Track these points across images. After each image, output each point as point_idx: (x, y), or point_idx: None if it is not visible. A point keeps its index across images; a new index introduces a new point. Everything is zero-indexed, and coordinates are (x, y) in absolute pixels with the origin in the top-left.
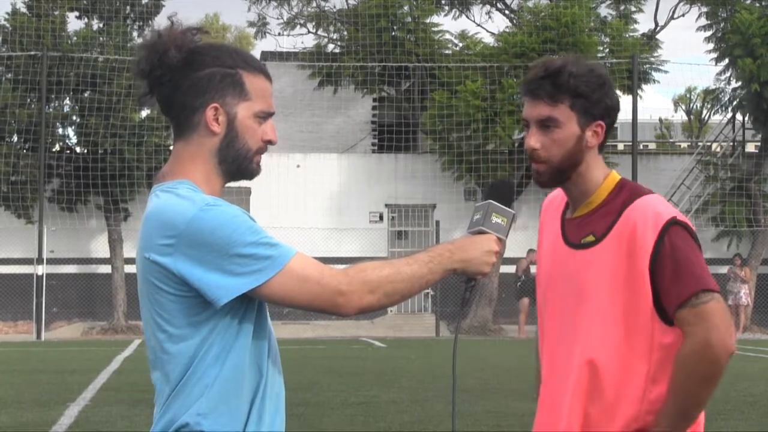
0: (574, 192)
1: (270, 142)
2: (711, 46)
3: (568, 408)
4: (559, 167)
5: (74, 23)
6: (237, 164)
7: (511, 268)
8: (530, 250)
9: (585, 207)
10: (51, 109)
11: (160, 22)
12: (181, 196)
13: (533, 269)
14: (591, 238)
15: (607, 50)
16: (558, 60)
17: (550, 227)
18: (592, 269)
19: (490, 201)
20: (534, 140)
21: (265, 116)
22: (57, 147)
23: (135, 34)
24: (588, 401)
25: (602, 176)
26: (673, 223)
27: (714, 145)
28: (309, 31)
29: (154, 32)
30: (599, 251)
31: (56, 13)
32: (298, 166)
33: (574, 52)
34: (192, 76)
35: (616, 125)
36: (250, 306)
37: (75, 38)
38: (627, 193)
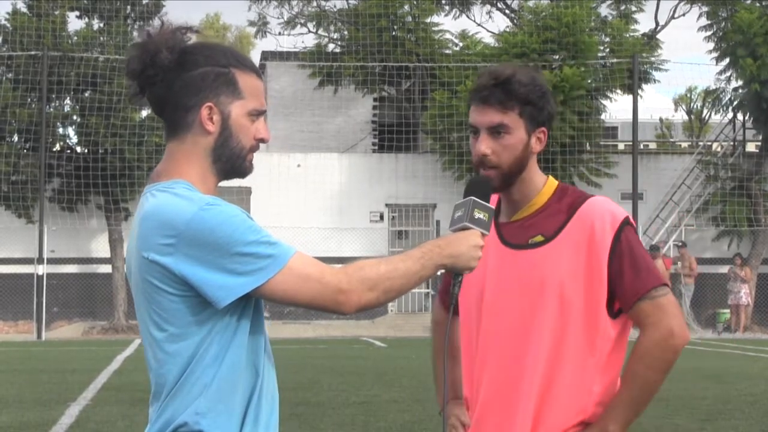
0: (516, 196)
1: (262, 141)
2: (711, 45)
3: (524, 409)
4: (508, 172)
5: (75, 23)
6: (231, 163)
7: None
8: None
9: (526, 210)
10: (51, 109)
11: (152, 22)
12: (180, 195)
13: None
14: (540, 238)
15: (608, 50)
16: (507, 69)
17: None
18: (544, 267)
19: (472, 197)
20: (485, 146)
21: (257, 114)
22: (57, 147)
23: (135, 33)
24: (543, 400)
25: (542, 181)
26: (627, 223)
27: (714, 145)
28: (309, 31)
29: (145, 32)
30: (551, 250)
31: (57, 12)
32: (298, 165)
33: (575, 52)
34: (185, 76)
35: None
36: (248, 304)
37: (75, 38)
38: (572, 195)
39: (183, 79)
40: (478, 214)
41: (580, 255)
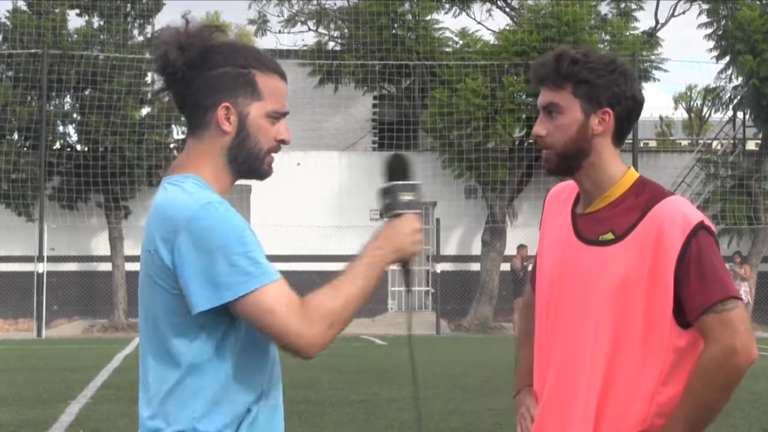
0: (587, 184)
1: (283, 142)
2: (711, 44)
3: (582, 411)
4: (564, 154)
5: (75, 21)
6: (248, 164)
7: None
8: (521, 246)
9: (601, 202)
10: (51, 107)
11: (176, 18)
12: (186, 191)
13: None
14: (610, 235)
15: (608, 48)
16: (565, 46)
17: (557, 221)
18: (610, 267)
19: (393, 182)
20: (540, 127)
21: (278, 116)
22: (57, 145)
23: (135, 32)
24: (601, 403)
25: (620, 171)
26: (700, 227)
27: (714, 143)
28: (309, 29)
29: (171, 29)
30: (619, 250)
31: (57, 10)
32: (298, 164)
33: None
34: (205, 75)
35: None
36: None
37: (75, 36)
38: (650, 192)
39: (203, 78)
40: (405, 197)
41: (645, 258)
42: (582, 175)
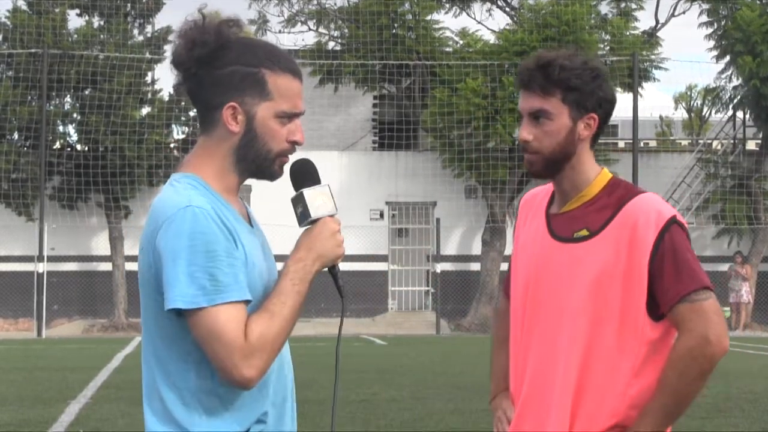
0: (566, 185)
1: (296, 143)
2: (712, 43)
3: (557, 408)
4: (551, 158)
5: (75, 21)
6: (256, 165)
7: None
8: None
9: (576, 201)
10: (51, 107)
11: (193, 12)
12: (177, 191)
13: None
14: (585, 232)
15: (608, 48)
16: (550, 52)
17: (532, 222)
18: (586, 263)
19: (302, 190)
20: (526, 132)
21: (289, 117)
22: (58, 145)
23: (135, 31)
24: (577, 399)
25: (594, 172)
26: (673, 222)
27: (715, 143)
28: (309, 29)
29: (188, 23)
30: (594, 245)
31: (57, 10)
32: None
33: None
34: (214, 74)
35: (616, 122)
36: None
37: (75, 36)
38: (623, 190)
39: (212, 77)
40: (317, 201)
41: (620, 253)
42: (562, 177)
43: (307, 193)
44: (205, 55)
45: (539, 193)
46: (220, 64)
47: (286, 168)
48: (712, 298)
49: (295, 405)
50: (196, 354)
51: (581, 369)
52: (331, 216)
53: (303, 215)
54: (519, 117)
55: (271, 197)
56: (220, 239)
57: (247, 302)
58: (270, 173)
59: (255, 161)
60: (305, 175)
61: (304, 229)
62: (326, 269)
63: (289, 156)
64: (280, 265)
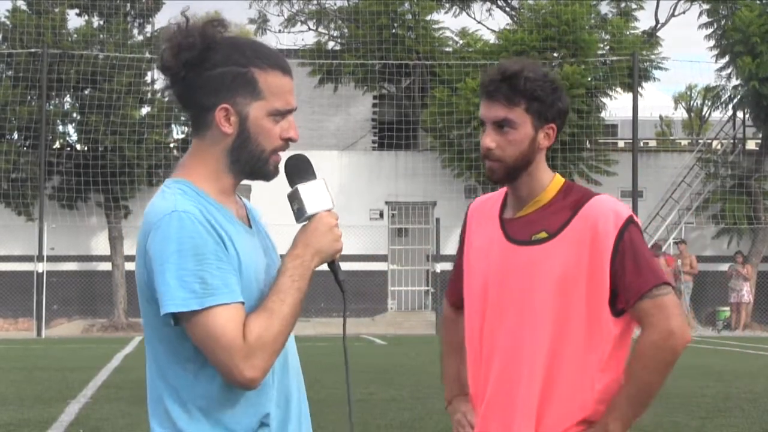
0: (522, 191)
1: (290, 140)
2: (712, 43)
3: (523, 409)
4: (512, 166)
5: (74, 20)
6: (251, 165)
7: None
8: None
9: (531, 206)
10: (51, 107)
11: (177, 15)
12: (165, 197)
13: None
14: (543, 234)
15: (608, 48)
16: (515, 64)
17: (483, 229)
18: (546, 264)
19: (297, 186)
20: (489, 140)
21: (282, 114)
22: (57, 144)
23: (135, 31)
24: (544, 399)
25: (548, 178)
26: (630, 221)
27: (714, 143)
28: (309, 29)
29: (172, 27)
30: (553, 247)
31: (56, 10)
32: None
33: (575, 50)
34: (204, 75)
35: (616, 122)
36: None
37: (75, 35)
38: (578, 193)
39: (202, 79)
40: (312, 196)
41: (582, 253)
42: (519, 183)
43: (302, 188)
44: (192, 59)
45: (489, 199)
46: (209, 65)
47: (281, 168)
48: (671, 293)
49: (307, 406)
50: (197, 359)
51: (547, 368)
52: (328, 210)
53: (299, 211)
54: (481, 124)
55: (270, 198)
56: (209, 242)
57: (241, 303)
58: (265, 173)
59: (249, 162)
60: (300, 171)
61: (301, 225)
62: (326, 264)
63: (281, 154)
64: None
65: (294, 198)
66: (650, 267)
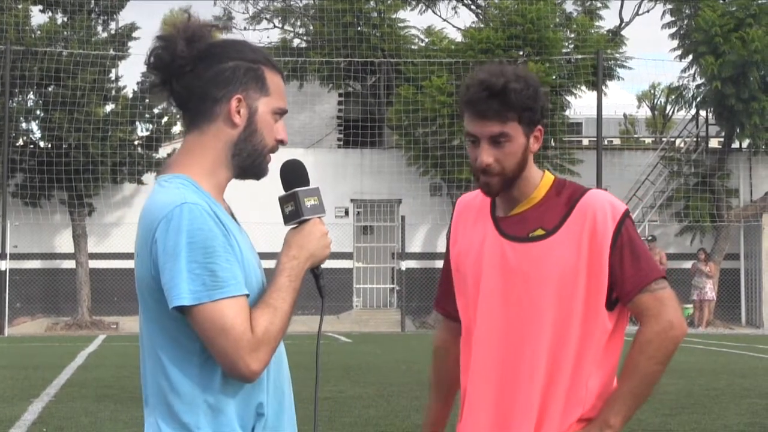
0: (515, 193)
1: (281, 142)
2: (675, 43)
3: (527, 402)
4: (511, 177)
5: (38, 17)
6: (252, 159)
7: None
8: None
9: (524, 204)
10: (14, 104)
11: (169, 13)
12: (168, 191)
13: None
14: (540, 231)
15: (572, 46)
16: (497, 77)
17: (475, 227)
18: (545, 260)
19: (295, 189)
20: (487, 155)
21: (281, 113)
22: (21, 141)
23: (99, 28)
24: (545, 393)
25: (539, 176)
26: (627, 215)
27: (678, 141)
28: (275, 26)
29: (171, 24)
30: (552, 243)
31: (20, 6)
32: None
33: (540, 48)
34: (216, 67)
35: (580, 120)
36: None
37: (39, 32)
38: (570, 189)
39: (214, 70)
40: (308, 202)
41: (581, 248)
42: (512, 188)
43: (301, 192)
44: (202, 51)
45: (477, 196)
46: (222, 58)
47: (272, 167)
48: (668, 286)
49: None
50: (200, 354)
51: (548, 366)
52: (320, 217)
53: (293, 213)
54: (471, 141)
55: (235, 195)
56: (218, 235)
57: (246, 296)
58: (260, 170)
59: (250, 156)
60: (298, 176)
61: (290, 227)
62: (310, 271)
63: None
64: (265, 263)
65: (289, 200)
66: (648, 261)
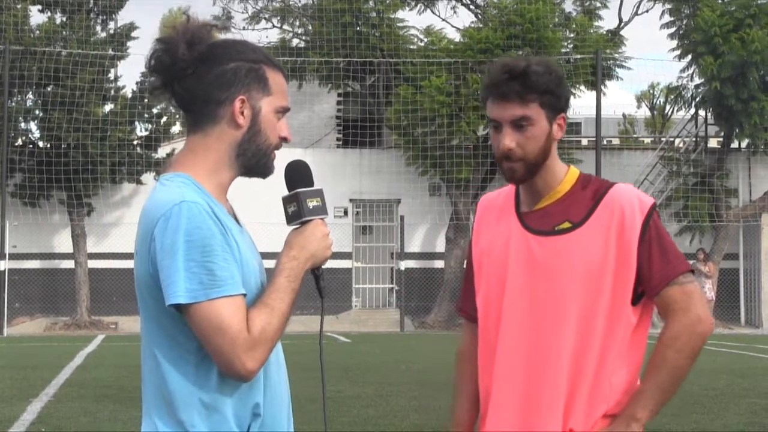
0: (539, 185)
1: (285, 140)
2: (674, 43)
3: (553, 398)
4: (534, 163)
5: (37, 17)
6: (256, 159)
7: None
8: None
9: (549, 198)
10: (13, 104)
11: (166, 14)
12: (169, 189)
13: None
14: (567, 224)
15: (572, 46)
16: (519, 60)
17: (499, 224)
18: (572, 253)
19: (298, 190)
20: (509, 140)
21: (284, 111)
22: (20, 141)
23: (98, 28)
24: (571, 388)
25: (563, 169)
26: (654, 208)
27: (677, 141)
28: (274, 26)
29: (170, 26)
30: (579, 236)
31: (18, 6)
32: None
33: (538, 48)
34: (218, 69)
35: (579, 120)
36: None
37: (38, 32)
38: (596, 183)
39: (215, 72)
40: (311, 203)
41: (610, 241)
42: (537, 178)
43: (304, 193)
44: (203, 53)
45: (499, 195)
46: (223, 59)
47: (278, 166)
48: (695, 280)
49: (290, 403)
50: (197, 353)
51: (573, 361)
52: (322, 219)
53: (295, 214)
54: (493, 126)
55: (234, 195)
56: (216, 234)
57: (243, 296)
58: (266, 169)
59: (255, 155)
60: (303, 177)
61: (292, 228)
62: (311, 272)
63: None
64: (266, 263)
65: (292, 200)
66: (676, 254)
